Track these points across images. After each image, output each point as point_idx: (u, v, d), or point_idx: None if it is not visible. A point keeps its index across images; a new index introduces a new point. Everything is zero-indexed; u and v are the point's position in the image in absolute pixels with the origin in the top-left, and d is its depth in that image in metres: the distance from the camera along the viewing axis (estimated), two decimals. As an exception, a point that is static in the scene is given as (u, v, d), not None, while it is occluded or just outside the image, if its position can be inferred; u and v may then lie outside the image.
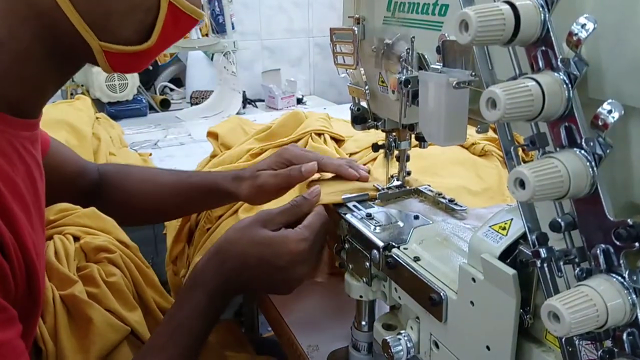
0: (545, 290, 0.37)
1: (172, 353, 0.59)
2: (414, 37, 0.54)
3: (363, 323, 0.65)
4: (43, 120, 0.59)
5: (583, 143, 0.32)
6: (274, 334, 0.85)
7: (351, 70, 0.68)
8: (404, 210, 0.66)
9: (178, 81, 2.48)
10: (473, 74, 0.45)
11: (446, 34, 0.49)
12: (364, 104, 0.69)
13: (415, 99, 0.54)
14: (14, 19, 0.50)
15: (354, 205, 0.66)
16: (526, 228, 0.38)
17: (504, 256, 0.42)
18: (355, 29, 0.63)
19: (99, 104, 1.95)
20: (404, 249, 0.55)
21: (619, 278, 0.31)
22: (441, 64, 0.50)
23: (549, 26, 0.33)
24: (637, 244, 0.31)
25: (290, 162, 0.77)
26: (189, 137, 1.73)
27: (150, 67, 2.24)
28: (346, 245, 0.63)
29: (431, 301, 0.48)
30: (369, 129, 0.70)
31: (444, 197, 0.66)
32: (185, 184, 0.84)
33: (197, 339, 0.61)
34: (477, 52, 0.40)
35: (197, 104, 2.22)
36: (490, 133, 1.06)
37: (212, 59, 2.34)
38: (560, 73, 0.33)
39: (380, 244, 0.56)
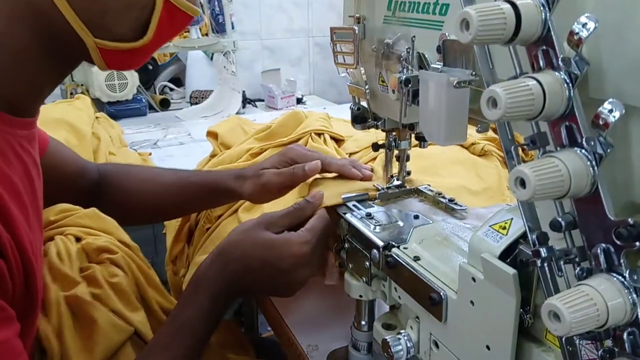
0: (546, 290, 0.37)
1: (175, 354, 0.59)
2: (414, 36, 0.54)
3: (363, 323, 0.65)
4: (43, 120, 0.59)
5: (584, 142, 0.32)
6: (273, 333, 0.85)
7: (351, 70, 0.67)
8: (404, 209, 0.66)
9: (178, 81, 2.48)
10: (473, 73, 0.45)
11: (447, 34, 0.49)
12: (364, 103, 0.69)
13: (415, 98, 0.54)
14: (11, 18, 0.50)
15: (354, 205, 0.66)
16: (526, 227, 0.38)
17: (504, 256, 0.42)
18: (356, 28, 0.63)
19: (98, 104, 1.95)
20: (404, 248, 0.55)
21: (620, 277, 0.31)
22: (441, 64, 0.49)
23: (550, 25, 0.33)
24: (637, 243, 0.30)
25: (294, 161, 0.77)
26: (188, 136, 1.73)
27: (150, 67, 2.25)
28: (346, 245, 0.63)
29: (431, 301, 0.48)
30: (369, 128, 0.70)
31: (444, 197, 0.66)
32: (186, 182, 0.84)
33: (199, 340, 0.61)
34: (478, 51, 0.40)
35: (196, 103, 2.22)
36: (490, 133, 1.06)
37: (211, 58, 2.34)
38: (561, 72, 0.33)
39: (380, 243, 0.56)
